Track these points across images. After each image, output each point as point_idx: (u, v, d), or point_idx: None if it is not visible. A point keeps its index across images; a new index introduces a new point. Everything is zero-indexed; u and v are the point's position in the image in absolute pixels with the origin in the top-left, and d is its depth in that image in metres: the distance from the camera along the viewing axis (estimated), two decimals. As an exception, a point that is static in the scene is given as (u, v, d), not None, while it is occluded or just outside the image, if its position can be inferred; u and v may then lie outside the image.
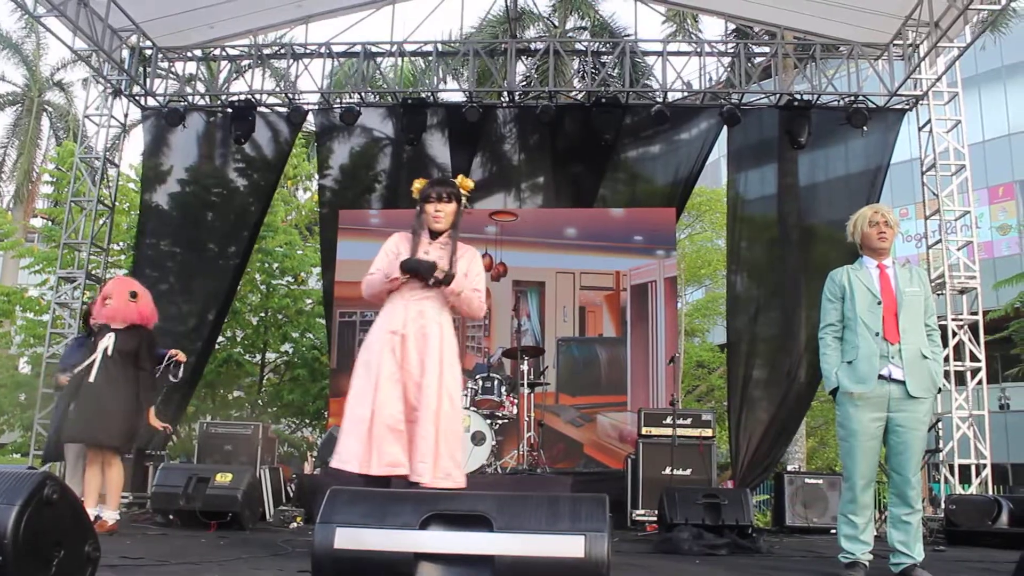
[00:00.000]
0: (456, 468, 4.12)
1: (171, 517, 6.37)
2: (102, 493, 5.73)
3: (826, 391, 4.41)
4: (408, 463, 4.04)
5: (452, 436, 4.16)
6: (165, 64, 10.56)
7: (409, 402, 4.12)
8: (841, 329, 4.28)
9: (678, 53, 10.40)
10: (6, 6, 24.11)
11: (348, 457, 4.06)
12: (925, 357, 4.10)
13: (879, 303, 4.17)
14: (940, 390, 4.34)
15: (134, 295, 5.81)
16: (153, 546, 4.84)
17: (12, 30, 23.97)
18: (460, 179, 4.44)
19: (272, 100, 10.48)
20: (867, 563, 4.11)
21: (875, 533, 4.26)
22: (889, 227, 4.30)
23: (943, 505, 7.35)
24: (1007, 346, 18.91)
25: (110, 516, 5.58)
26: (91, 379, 5.57)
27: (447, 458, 4.08)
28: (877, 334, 4.12)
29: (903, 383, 4.05)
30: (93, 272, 9.87)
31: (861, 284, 4.26)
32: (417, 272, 4.16)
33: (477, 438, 7.60)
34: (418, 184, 4.45)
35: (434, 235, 4.36)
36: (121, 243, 13.65)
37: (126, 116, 10.48)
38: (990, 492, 8.74)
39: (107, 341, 5.66)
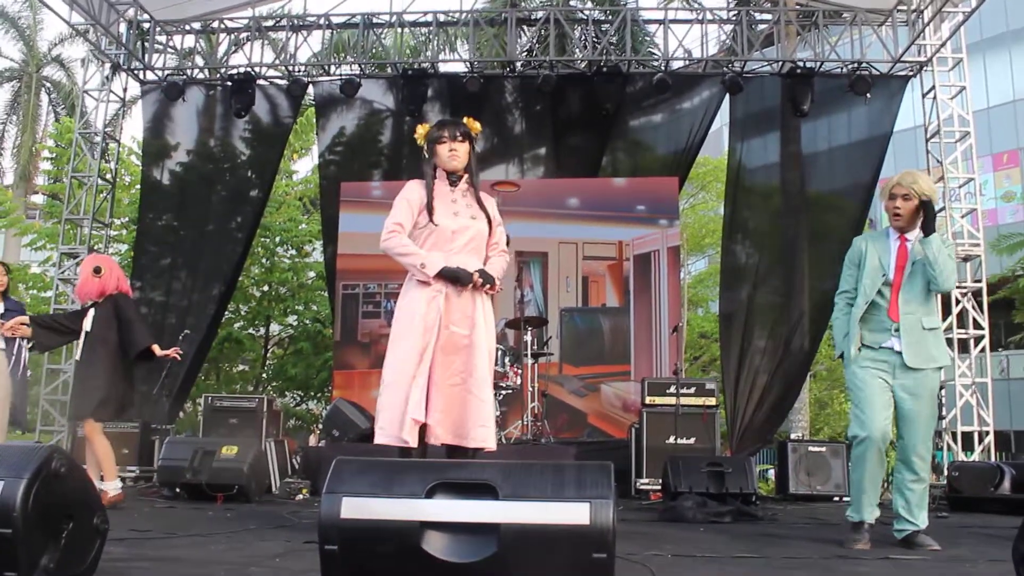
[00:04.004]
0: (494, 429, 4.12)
1: (177, 490, 6.41)
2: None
3: (835, 355, 4.43)
4: (453, 431, 3.88)
5: (492, 396, 4.12)
6: (163, 38, 10.49)
7: (455, 365, 3.93)
8: (855, 296, 4.21)
9: (680, 21, 10.32)
10: (2, -20, 23.85)
11: (390, 427, 3.86)
12: (925, 328, 4.06)
13: (885, 278, 4.12)
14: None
15: (98, 270, 5.84)
16: (160, 519, 4.88)
17: (8, 3, 23.86)
18: (468, 120, 4.21)
19: (272, 73, 10.43)
20: (872, 520, 4.11)
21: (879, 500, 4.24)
22: (908, 200, 4.11)
23: (946, 472, 7.39)
24: (1009, 311, 18.90)
25: (109, 487, 5.45)
26: (77, 357, 5.73)
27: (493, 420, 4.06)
28: (881, 308, 4.10)
29: (901, 354, 4.04)
30: (95, 247, 9.88)
31: (875, 255, 4.18)
32: (456, 280, 3.97)
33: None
34: (422, 129, 4.23)
35: (452, 180, 4.15)
36: (124, 218, 13.64)
37: (125, 91, 10.45)
38: (993, 459, 8.79)
39: (88, 319, 5.80)
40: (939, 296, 4.29)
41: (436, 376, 3.88)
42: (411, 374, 3.85)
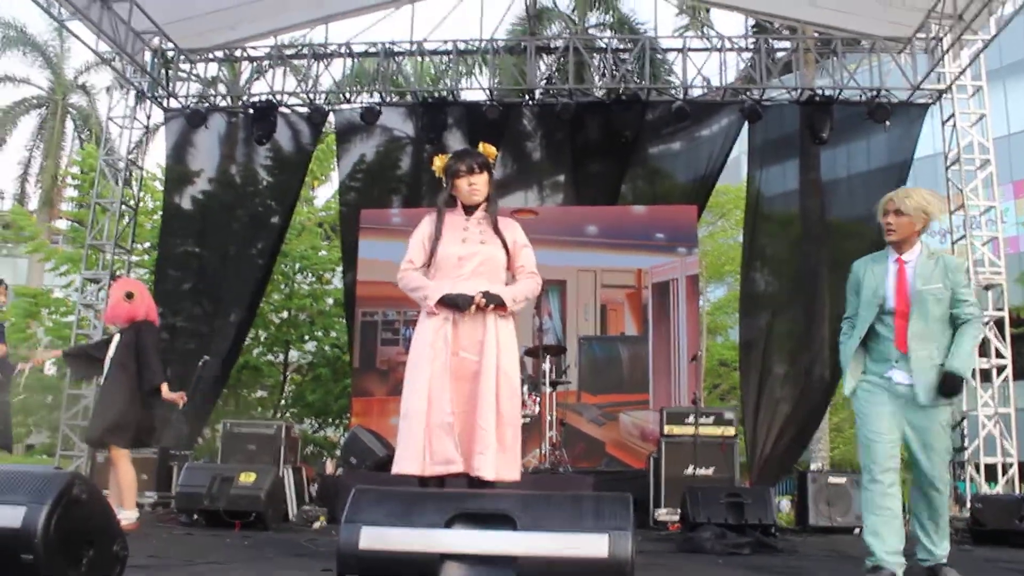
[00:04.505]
0: (516, 459, 3.91)
1: (195, 517, 6.41)
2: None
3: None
4: (463, 458, 3.79)
5: (512, 423, 3.91)
6: (187, 66, 10.65)
7: (465, 391, 3.86)
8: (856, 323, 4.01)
9: (698, 49, 10.37)
10: (34, 10, 24.31)
11: (405, 461, 3.82)
12: (940, 366, 3.77)
13: (882, 304, 3.88)
14: (959, 377, 3.80)
15: (130, 295, 5.88)
16: (178, 546, 4.87)
17: (39, 32, 24.24)
18: (483, 147, 4.16)
19: (293, 101, 10.54)
20: (897, 568, 3.74)
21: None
22: (902, 215, 3.84)
23: (969, 504, 7.28)
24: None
25: (124, 517, 5.34)
26: (100, 382, 5.79)
27: (509, 448, 3.85)
28: (885, 338, 3.88)
29: (911, 386, 3.80)
30: (117, 273, 9.96)
31: (872, 280, 3.94)
32: (456, 307, 3.90)
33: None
34: (440, 162, 4.17)
35: (468, 210, 4.10)
36: (146, 243, 13.76)
37: (149, 118, 10.58)
38: (1017, 491, 8.66)
39: (113, 343, 5.83)
40: None
41: (446, 404, 3.83)
42: (427, 406, 3.83)
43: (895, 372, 3.82)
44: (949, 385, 3.75)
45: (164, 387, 5.82)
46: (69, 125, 25.92)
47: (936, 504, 3.90)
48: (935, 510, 3.91)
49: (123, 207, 10.17)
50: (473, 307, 3.88)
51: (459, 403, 3.86)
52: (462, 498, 2.38)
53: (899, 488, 3.89)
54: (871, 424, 3.85)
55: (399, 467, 3.87)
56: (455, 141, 10.15)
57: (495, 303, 3.91)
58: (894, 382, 3.83)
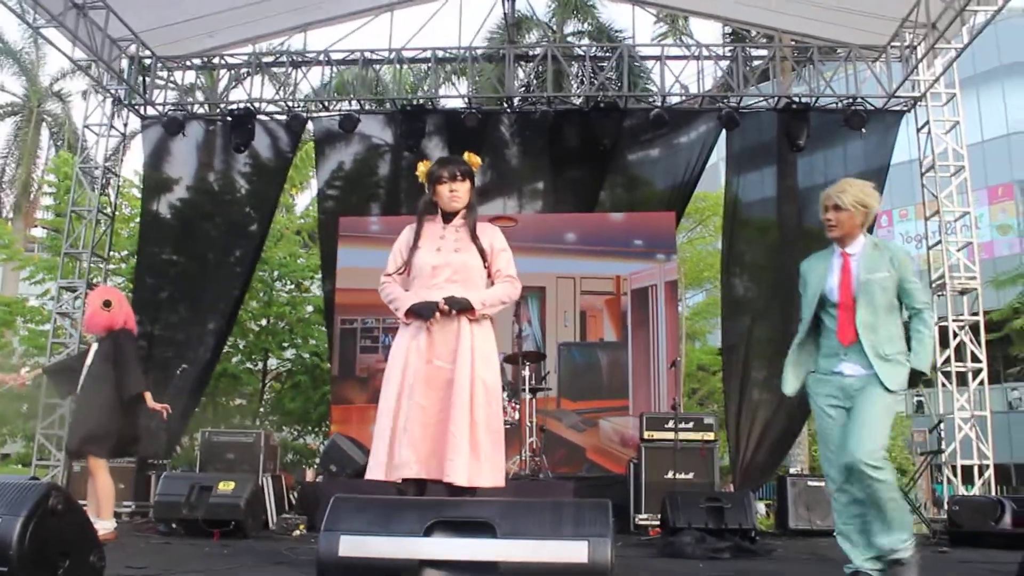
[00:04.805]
0: (496, 465, 3.87)
1: (174, 526, 6.37)
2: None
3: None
4: (436, 465, 3.78)
5: (490, 429, 3.88)
6: (164, 73, 10.59)
7: (439, 399, 3.85)
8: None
9: (676, 57, 10.43)
10: (8, 16, 24.15)
11: (375, 466, 3.83)
12: (886, 359, 3.63)
13: (827, 299, 3.79)
14: (924, 376, 3.72)
15: (107, 304, 5.83)
16: (156, 555, 4.84)
17: (14, 40, 24.07)
18: (468, 156, 4.19)
19: (272, 108, 10.51)
20: (873, 573, 3.65)
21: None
22: (841, 210, 3.80)
23: (946, 506, 7.35)
24: (1007, 345, 18.90)
25: (101, 527, 5.17)
26: (77, 391, 5.73)
27: (485, 454, 3.82)
28: (832, 332, 3.78)
29: (859, 377, 3.67)
30: (94, 281, 9.88)
31: (816, 277, 3.89)
32: (421, 316, 3.89)
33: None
34: (423, 167, 4.18)
35: (447, 217, 4.11)
36: (123, 251, 13.67)
37: (126, 126, 10.52)
38: (993, 493, 8.74)
39: (91, 352, 5.79)
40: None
41: (420, 413, 3.84)
42: (395, 413, 3.85)
43: (844, 365, 3.73)
44: (912, 381, 3.68)
45: (148, 396, 5.78)
46: (44, 132, 25.73)
47: (878, 492, 3.53)
48: (878, 499, 3.55)
49: (99, 215, 10.08)
50: (437, 314, 3.87)
51: (432, 412, 3.86)
52: (441, 506, 2.39)
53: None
54: (827, 439, 3.79)
55: (368, 473, 3.91)
56: (434, 149, 10.15)
57: (460, 307, 3.90)
58: (844, 375, 3.73)
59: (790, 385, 3.95)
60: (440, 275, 3.99)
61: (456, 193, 4.05)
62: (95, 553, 2.53)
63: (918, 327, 3.72)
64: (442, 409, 3.86)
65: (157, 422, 7.96)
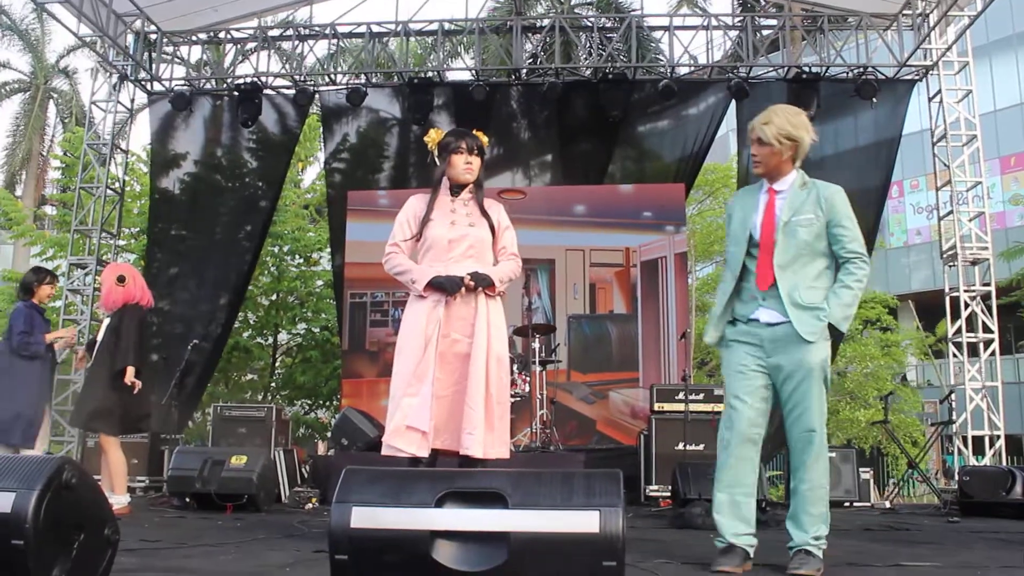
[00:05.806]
0: (504, 438, 3.96)
1: (187, 500, 6.42)
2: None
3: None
4: (445, 436, 3.86)
5: (500, 402, 3.96)
6: (170, 48, 10.55)
7: (455, 372, 3.90)
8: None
9: (685, 27, 10.33)
10: (12, -7, 24.09)
11: (393, 441, 3.85)
12: (803, 307, 3.33)
13: (750, 237, 3.47)
14: (841, 334, 3.40)
15: (121, 279, 5.83)
16: (170, 529, 4.88)
17: (20, 17, 24.00)
18: (479, 134, 4.20)
19: (279, 82, 10.47)
20: (748, 548, 3.44)
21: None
22: (763, 144, 3.42)
23: (957, 476, 7.36)
24: (1019, 317, 18.81)
25: (115, 501, 5.30)
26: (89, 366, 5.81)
27: (497, 427, 3.90)
28: (751, 274, 3.46)
29: (777, 325, 3.38)
30: (104, 257, 9.91)
31: (740, 213, 3.54)
32: (443, 288, 3.92)
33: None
34: (436, 134, 4.19)
35: (455, 190, 4.14)
36: (133, 228, 13.69)
37: (132, 102, 10.49)
38: (1004, 463, 8.74)
39: (102, 329, 5.80)
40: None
41: (436, 385, 3.87)
42: (410, 386, 3.87)
43: (761, 311, 3.42)
44: (832, 343, 3.40)
45: (130, 370, 5.70)
46: (52, 110, 25.71)
47: (810, 473, 3.44)
48: (809, 480, 3.45)
49: (108, 191, 10.09)
50: (463, 289, 3.91)
51: (448, 384, 3.91)
52: (453, 477, 2.39)
53: (758, 462, 3.58)
54: (733, 387, 3.49)
55: (384, 449, 3.92)
56: (442, 122, 10.11)
57: (484, 284, 3.96)
58: (761, 323, 3.42)
59: (710, 334, 3.60)
60: (456, 249, 4.02)
61: (471, 165, 4.08)
62: (109, 527, 2.54)
63: (841, 277, 3.39)
64: (457, 382, 3.90)
65: (167, 399, 8.04)
